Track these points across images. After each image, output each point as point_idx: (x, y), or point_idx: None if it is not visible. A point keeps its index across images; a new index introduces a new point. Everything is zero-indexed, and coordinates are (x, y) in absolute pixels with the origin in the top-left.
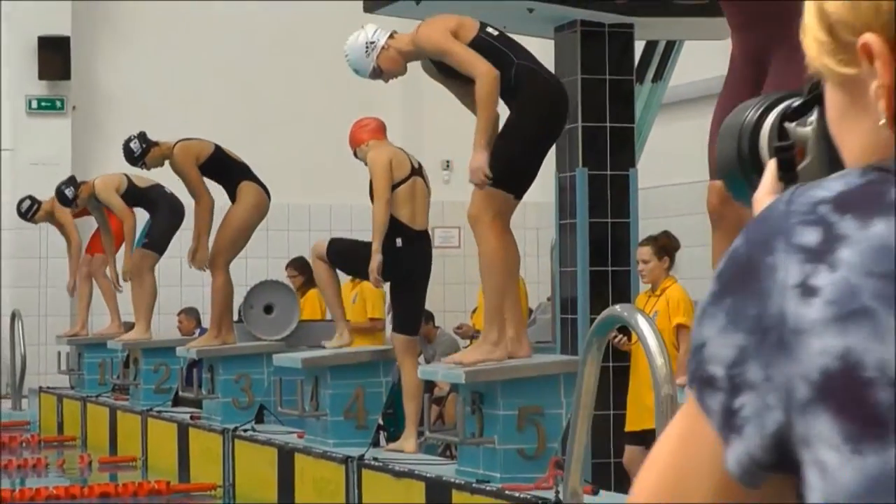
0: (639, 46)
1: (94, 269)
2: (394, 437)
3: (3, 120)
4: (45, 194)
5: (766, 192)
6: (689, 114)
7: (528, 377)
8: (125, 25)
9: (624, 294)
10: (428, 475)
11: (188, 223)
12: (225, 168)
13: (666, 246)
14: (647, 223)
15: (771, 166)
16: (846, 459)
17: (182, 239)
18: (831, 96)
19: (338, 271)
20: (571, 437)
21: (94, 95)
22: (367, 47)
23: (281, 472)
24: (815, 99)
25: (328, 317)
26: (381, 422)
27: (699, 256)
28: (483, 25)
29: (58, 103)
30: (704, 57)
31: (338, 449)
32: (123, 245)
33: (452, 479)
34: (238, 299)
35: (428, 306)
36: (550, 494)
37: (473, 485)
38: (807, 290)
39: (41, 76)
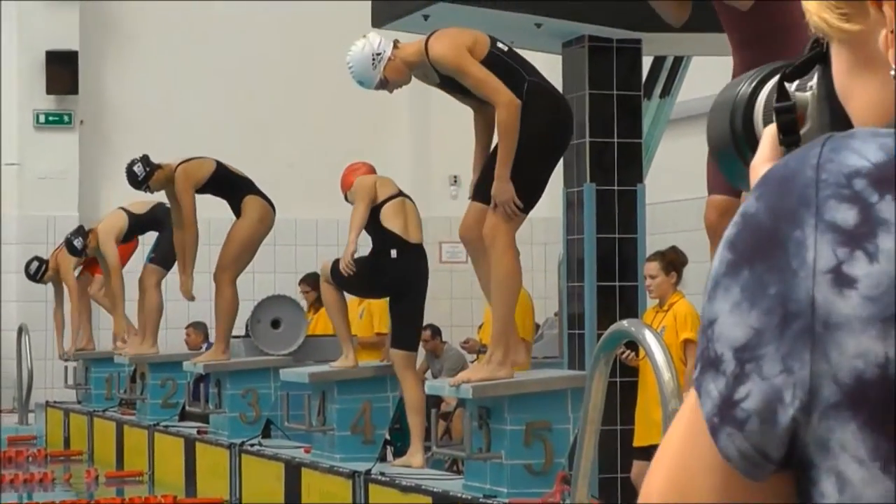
0: (646, 62)
1: (94, 291)
2: (401, 451)
3: (11, 134)
4: (53, 209)
5: (764, 159)
6: (696, 129)
7: (535, 392)
8: (133, 40)
9: (632, 309)
10: (435, 490)
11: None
12: (228, 184)
13: (673, 261)
14: (654, 238)
15: (769, 132)
16: (873, 476)
17: None
18: (836, 55)
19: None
20: (578, 453)
21: (101, 110)
22: (373, 59)
23: (288, 486)
24: (814, 58)
25: None
26: (387, 437)
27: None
28: (494, 40)
29: (65, 118)
30: (712, 73)
31: (345, 464)
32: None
33: (459, 494)
34: (246, 314)
35: (435, 321)
36: None
37: (480, 500)
38: (841, 279)
39: (49, 91)
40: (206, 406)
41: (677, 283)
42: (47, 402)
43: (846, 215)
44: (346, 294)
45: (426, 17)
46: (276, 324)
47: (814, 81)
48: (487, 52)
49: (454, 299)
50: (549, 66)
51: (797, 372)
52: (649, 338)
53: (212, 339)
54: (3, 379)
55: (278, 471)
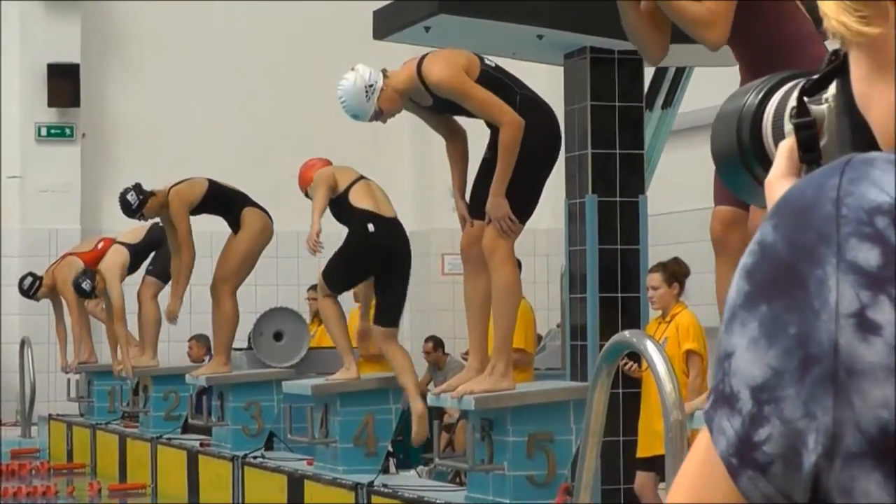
0: (648, 73)
1: (91, 307)
2: (403, 463)
3: (13, 147)
4: (55, 222)
5: (780, 174)
6: (698, 140)
7: (537, 404)
8: (134, 53)
9: (634, 321)
10: (438, 502)
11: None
12: (223, 200)
13: (675, 272)
14: (657, 250)
15: (785, 146)
16: None
17: None
18: (855, 62)
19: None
20: (581, 464)
21: (103, 123)
22: (366, 91)
23: (291, 499)
24: (832, 72)
25: None
26: (390, 448)
27: (709, 283)
28: (481, 58)
29: (67, 130)
30: (714, 83)
31: (347, 476)
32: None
33: None
34: (248, 326)
35: (437, 333)
36: None
37: None
38: (866, 325)
39: (51, 103)
40: (209, 419)
41: (679, 294)
42: (50, 415)
43: (868, 255)
44: (346, 309)
45: (427, 29)
46: (278, 336)
47: (830, 93)
48: (480, 71)
49: (456, 311)
50: (551, 78)
51: (820, 418)
52: (651, 348)
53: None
54: (6, 392)
55: (281, 483)
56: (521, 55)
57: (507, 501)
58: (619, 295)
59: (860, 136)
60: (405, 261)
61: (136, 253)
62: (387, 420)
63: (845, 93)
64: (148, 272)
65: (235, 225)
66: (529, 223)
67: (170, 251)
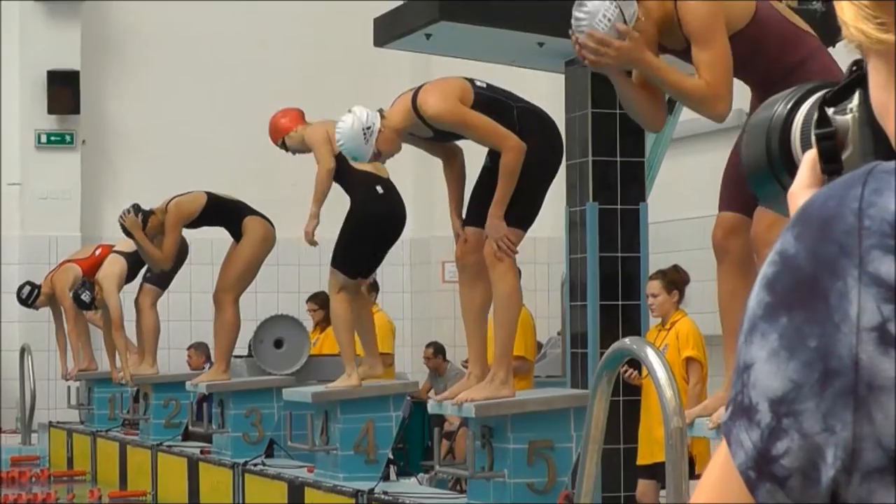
0: None
1: (90, 316)
2: (404, 471)
3: (13, 154)
4: (55, 229)
5: (802, 185)
6: (699, 148)
7: (537, 411)
8: (134, 60)
9: (635, 328)
10: None
11: (193, 258)
12: (223, 212)
13: (675, 280)
14: (657, 257)
15: (808, 157)
16: None
17: (190, 274)
18: (873, 71)
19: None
20: (581, 471)
21: (103, 130)
22: (364, 133)
23: None
24: (855, 81)
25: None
26: (391, 456)
27: (710, 290)
28: (471, 80)
29: (67, 137)
30: None
31: (348, 483)
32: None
33: None
34: (248, 334)
35: (439, 340)
36: None
37: None
38: (887, 339)
39: (51, 110)
40: (209, 426)
41: (679, 302)
42: (50, 422)
43: (891, 268)
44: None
45: (428, 37)
46: (278, 344)
47: (854, 104)
48: (473, 95)
49: (457, 318)
50: (552, 86)
51: (839, 432)
52: (651, 356)
53: (213, 358)
54: (7, 399)
55: (281, 490)
56: (522, 63)
57: None
58: (620, 303)
59: (882, 147)
60: (397, 222)
61: (134, 261)
62: (387, 427)
63: (867, 103)
64: (146, 279)
65: (237, 234)
66: (530, 231)
67: None
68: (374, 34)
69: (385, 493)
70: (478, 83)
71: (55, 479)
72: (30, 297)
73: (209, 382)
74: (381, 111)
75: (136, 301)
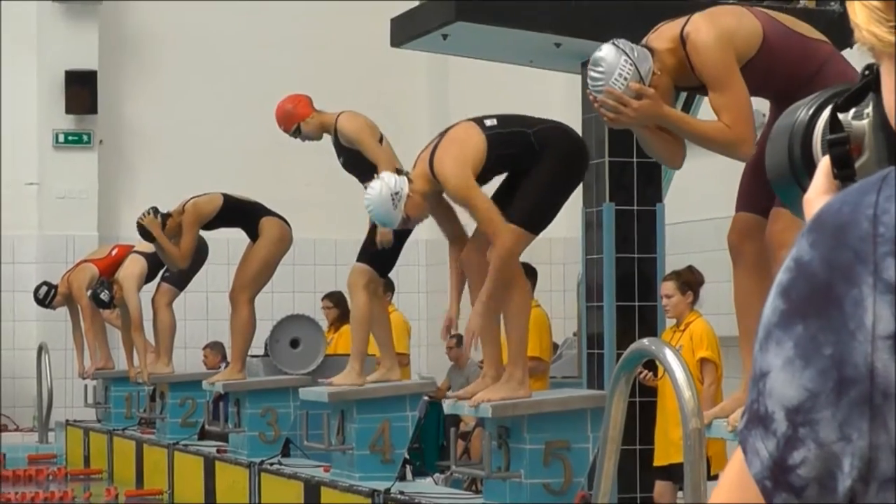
0: None
1: (107, 315)
2: (419, 471)
3: (31, 154)
4: (72, 228)
5: (818, 192)
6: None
7: (554, 412)
8: (152, 60)
9: (651, 329)
10: None
11: (209, 257)
12: (239, 213)
13: (689, 281)
14: (673, 258)
15: (824, 163)
16: None
17: (207, 273)
18: (886, 74)
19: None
20: (598, 472)
21: (120, 129)
22: (392, 199)
23: None
24: (866, 86)
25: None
26: (407, 456)
27: (724, 292)
28: (480, 121)
29: (84, 137)
30: None
31: (364, 483)
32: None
33: None
34: (265, 333)
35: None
36: None
37: None
38: None
39: (68, 110)
40: (226, 425)
41: (694, 303)
42: (67, 420)
43: None
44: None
45: (445, 37)
46: (294, 343)
47: (870, 108)
48: (486, 145)
49: None
50: (568, 86)
51: (855, 441)
52: (670, 357)
53: (229, 358)
54: (24, 398)
55: (297, 490)
56: (538, 63)
57: None
58: (636, 304)
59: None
60: None
61: (154, 262)
62: (403, 427)
63: (880, 106)
64: (164, 279)
65: (254, 235)
66: (546, 232)
67: None
68: (390, 35)
69: (401, 492)
70: (487, 123)
71: (72, 478)
72: (46, 296)
73: (225, 382)
74: (408, 174)
75: (153, 300)
